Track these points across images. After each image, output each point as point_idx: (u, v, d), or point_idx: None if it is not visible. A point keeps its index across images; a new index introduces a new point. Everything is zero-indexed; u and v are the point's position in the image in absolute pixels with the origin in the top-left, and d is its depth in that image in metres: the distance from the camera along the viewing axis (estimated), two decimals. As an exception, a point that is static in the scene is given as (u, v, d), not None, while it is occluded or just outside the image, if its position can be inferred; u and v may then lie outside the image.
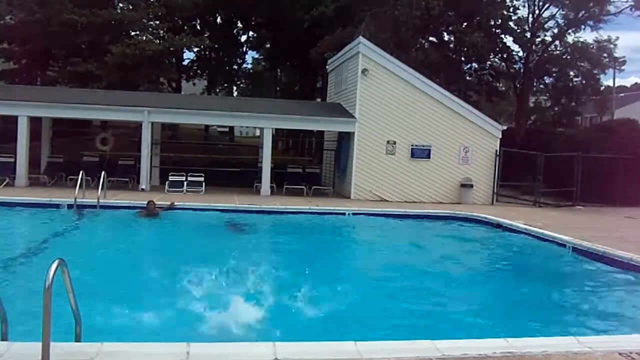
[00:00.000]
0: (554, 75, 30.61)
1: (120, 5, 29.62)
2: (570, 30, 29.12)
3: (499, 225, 14.60)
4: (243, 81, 48.77)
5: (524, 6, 29.77)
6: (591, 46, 28.81)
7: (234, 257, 10.75)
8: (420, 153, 19.46)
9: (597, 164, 19.88)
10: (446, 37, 30.88)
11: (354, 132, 19.24)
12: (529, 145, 22.29)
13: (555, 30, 29.61)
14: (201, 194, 17.78)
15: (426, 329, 6.32)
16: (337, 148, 21.39)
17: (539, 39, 29.97)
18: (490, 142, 19.96)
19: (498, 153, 19.94)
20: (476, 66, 32.13)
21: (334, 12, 27.66)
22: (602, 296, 8.41)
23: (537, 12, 29.45)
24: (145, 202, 14.10)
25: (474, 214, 15.91)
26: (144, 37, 28.30)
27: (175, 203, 14.92)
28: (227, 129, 44.23)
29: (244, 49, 41.09)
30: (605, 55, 29.13)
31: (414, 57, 25.15)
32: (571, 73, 29.90)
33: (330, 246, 12.57)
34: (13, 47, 27.65)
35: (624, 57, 30.80)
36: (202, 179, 18.63)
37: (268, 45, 40.40)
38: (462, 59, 30.89)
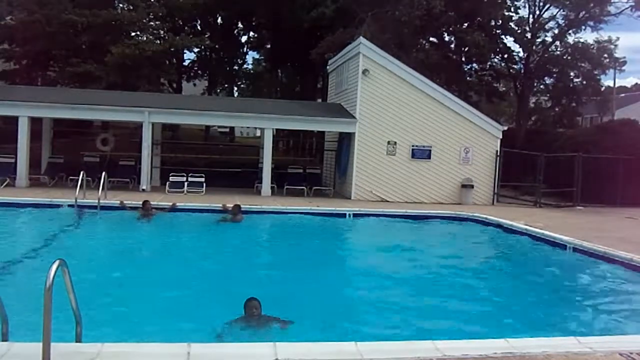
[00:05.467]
0: (555, 75, 30.63)
1: (121, 5, 29.66)
2: (570, 31, 29.12)
3: (499, 226, 14.59)
4: (243, 82, 48.82)
5: (524, 7, 29.83)
6: (591, 47, 28.83)
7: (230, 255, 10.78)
8: (421, 153, 19.45)
9: (597, 164, 19.86)
10: (447, 38, 30.92)
11: (354, 133, 19.24)
12: (529, 146, 22.28)
13: (556, 31, 29.63)
14: (202, 195, 17.78)
15: (427, 330, 6.32)
16: (337, 148, 21.38)
17: (539, 40, 29.98)
18: (491, 142, 19.95)
19: (499, 153, 19.92)
20: (477, 67, 32.17)
21: (335, 13, 27.68)
22: (603, 296, 8.40)
23: (537, 12, 29.46)
24: (141, 203, 14.12)
25: (475, 214, 15.90)
26: (144, 38, 28.32)
27: (177, 204, 14.91)
28: (227, 130, 44.32)
29: (245, 49, 41.21)
30: (605, 55, 29.13)
31: (414, 57, 25.18)
32: (572, 73, 29.92)
33: (332, 247, 12.58)
34: (13, 48, 27.70)
35: (624, 57, 30.86)
36: (202, 179, 18.63)
37: (268, 46, 40.46)
38: (463, 59, 30.92)
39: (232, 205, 14.34)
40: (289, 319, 6.32)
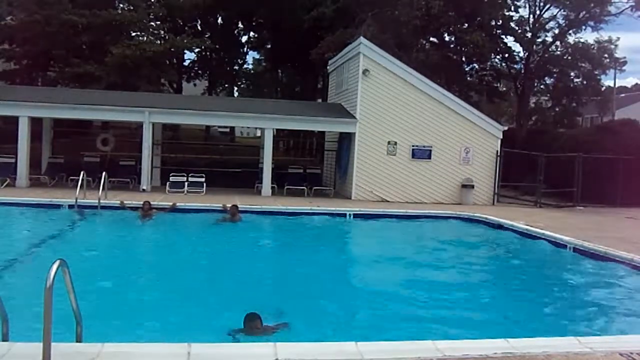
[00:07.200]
0: (555, 75, 30.59)
1: (121, 5, 29.66)
2: (571, 31, 29.09)
3: (499, 226, 14.58)
4: (244, 82, 48.80)
5: (524, 7, 29.81)
6: (592, 47, 28.80)
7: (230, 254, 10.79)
8: (421, 153, 19.45)
9: (598, 164, 19.85)
10: (447, 38, 30.89)
11: (354, 133, 19.23)
12: (529, 146, 22.27)
13: (556, 31, 29.58)
14: (202, 195, 17.78)
15: (428, 330, 6.32)
16: (338, 148, 21.38)
17: (539, 40, 29.96)
18: (491, 142, 19.95)
19: (499, 153, 19.92)
20: (477, 67, 32.13)
21: (335, 13, 27.69)
22: (603, 296, 8.39)
23: (537, 12, 29.44)
24: (142, 203, 14.15)
25: (475, 214, 15.90)
26: (145, 38, 28.33)
27: (177, 204, 14.92)
28: (227, 130, 44.33)
29: (245, 49, 41.16)
30: (606, 55, 29.11)
31: (414, 57, 25.15)
32: (572, 73, 29.87)
33: (332, 247, 12.58)
34: (14, 48, 27.67)
35: (624, 57, 30.84)
36: (203, 179, 18.63)
37: (269, 46, 40.47)
38: (463, 59, 30.90)
39: (230, 206, 14.36)
40: (288, 321, 6.31)
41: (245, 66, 44.37)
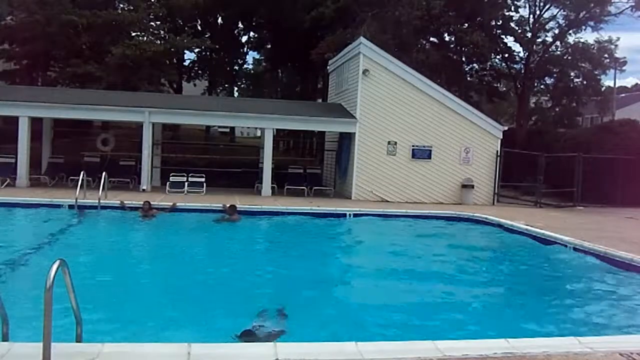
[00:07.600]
0: (555, 75, 30.61)
1: (121, 6, 29.69)
2: (571, 31, 29.11)
3: (499, 226, 14.58)
4: (244, 82, 48.84)
5: (524, 7, 29.83)
6: (592, 47, 28.82)
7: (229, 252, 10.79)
8: (421, 153, 19.45)
9: (598, 164, 19.86)
10: (447, 38, 30.93)
11: (354, 133, 19.23)
12: (529, 146, 22.28)
13: (556, 31, 29.62)
14: (202, 195, 17.78)
15: (427, 330, 6.32)
16: (338, 148, 21.39)
17: (539, 40, 29.98)
18: (491, 142, 19.95)
19: (499, 153, 19.92)
20: (477, 67, 32.15)
21: (335, 13, 27.71)
22: (603, 296, 8.39)
23: (538, 12, 29.46)
24: (142, 203, 14.16)
25: (475, 214, 15.90)
26: (145, 38, 28.36)
27: (177, 204, 14.92)
28: (227, 130, 44.36)
29: (245, 49, 41.24)
30: (606, 55, 29.13)
31: (415, 57, 25.16)
32: (572, 73, 29.89)
33: (333, 247, 12.58)
34: (14, 48, 27.71)
35: (624, 57, 30.89)
36: (203, 179, 18.63)
37: (269, 46, 40.52)
38: (463, 59, 30.92)
39: (228, 205, 14.37)
40: (288, 320, 6.31)
41: (245, 66, 44.51)
